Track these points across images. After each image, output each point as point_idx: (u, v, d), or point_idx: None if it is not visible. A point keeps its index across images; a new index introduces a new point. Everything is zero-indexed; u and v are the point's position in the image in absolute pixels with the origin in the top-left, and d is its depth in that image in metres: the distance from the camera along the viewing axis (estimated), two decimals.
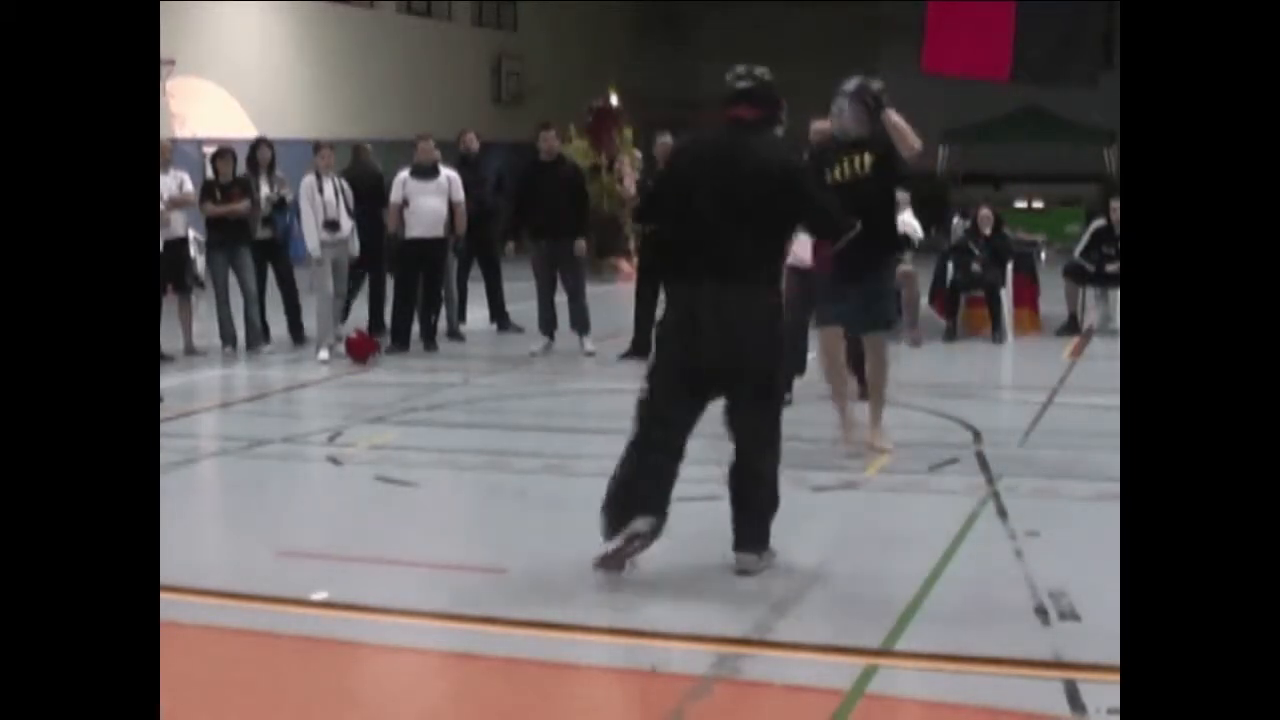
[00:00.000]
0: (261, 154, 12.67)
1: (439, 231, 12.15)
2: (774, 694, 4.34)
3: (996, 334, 12.44)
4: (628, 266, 14.71)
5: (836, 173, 7.21)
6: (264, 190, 12.38)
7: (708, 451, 7.88)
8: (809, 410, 9.02)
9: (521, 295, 13.14)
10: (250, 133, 20.11)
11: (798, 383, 9.27)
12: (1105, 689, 4.12)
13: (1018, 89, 17.41)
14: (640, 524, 5.35)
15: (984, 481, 6.88)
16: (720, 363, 5.35)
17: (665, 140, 11.32)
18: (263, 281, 12.54)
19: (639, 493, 5.40)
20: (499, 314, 13.54)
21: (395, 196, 12.10)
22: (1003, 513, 6.33)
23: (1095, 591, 5.03)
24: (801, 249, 9.07)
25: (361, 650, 4.91)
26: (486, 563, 5.75)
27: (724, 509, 6.52)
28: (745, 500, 5.53)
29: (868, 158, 7.16)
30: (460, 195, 12.24)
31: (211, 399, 10.51)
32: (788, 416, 8.83)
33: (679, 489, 6.93)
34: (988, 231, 12.88)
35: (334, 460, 7.92)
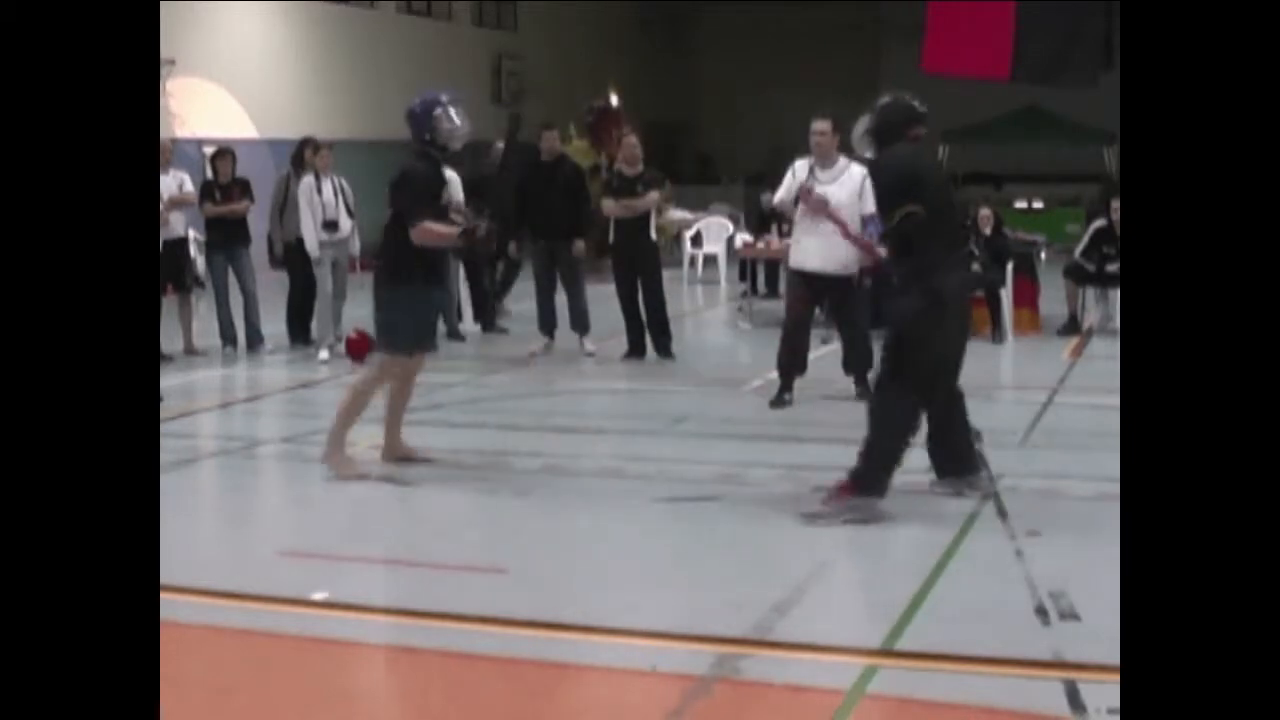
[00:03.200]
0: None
1: None
2: (774, 694, 4.34)
3: (996, 334, 12.43)
4: None
5: None
6: None
7: (707, 452, 7.93)
8: (809, 410, 9.04)
9: (522, 295, 13.13)
10: (250, 133, 20.14)
11: (798, 383, 9.27)
12: (1105, 689, 4.12)
13: (1018, 89, 17.34)
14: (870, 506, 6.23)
15: None
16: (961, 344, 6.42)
17: (630, 140, 11.54)
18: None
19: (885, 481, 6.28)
20: (485, 315, 13.47)
21: None
22: (1003, 513, 6.33)
23: (1095, 591, 5.03)
24: (802, 253, 9.09)
25: (361, 650, 4.91)
26: (486, 563, 5.75)
27: (723, 509, 6.55)
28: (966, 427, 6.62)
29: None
30: (460, 196, 12.21)
31: (211, 399, 10.50)
32: (788, 416, 8.97)
33: (676, 489, 6.97)
34: (988, 231, 12.87)
35: None
